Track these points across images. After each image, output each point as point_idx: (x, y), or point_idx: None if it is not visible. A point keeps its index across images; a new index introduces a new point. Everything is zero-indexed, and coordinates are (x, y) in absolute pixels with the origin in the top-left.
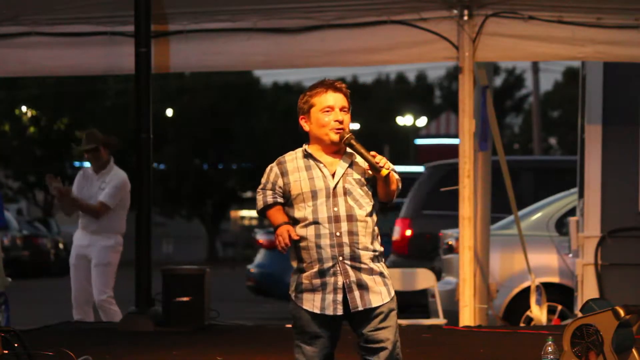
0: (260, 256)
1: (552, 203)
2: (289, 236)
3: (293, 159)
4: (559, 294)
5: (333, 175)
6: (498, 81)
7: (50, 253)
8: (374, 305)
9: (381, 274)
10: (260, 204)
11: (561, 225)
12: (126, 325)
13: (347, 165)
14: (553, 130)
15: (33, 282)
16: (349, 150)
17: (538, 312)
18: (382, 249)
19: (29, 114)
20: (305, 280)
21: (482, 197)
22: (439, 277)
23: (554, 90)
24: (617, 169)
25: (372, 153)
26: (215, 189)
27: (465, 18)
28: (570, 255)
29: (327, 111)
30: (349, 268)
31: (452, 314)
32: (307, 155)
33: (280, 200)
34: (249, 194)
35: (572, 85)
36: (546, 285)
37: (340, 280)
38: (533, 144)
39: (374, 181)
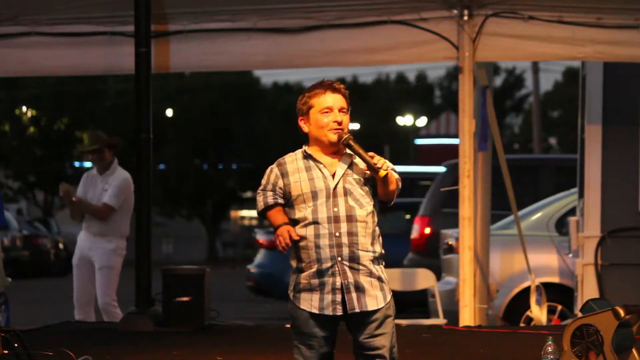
0: (260, 256)
1: (552, 203)
2: (290, 236)
3: (293, 160)
4: (559, 294)
5: (333, 175)
6: (498, 81)
7: (50, 253)
8: (370, 308)
9: (379, 278)
10: (260, 205)
11: (561, 225)
12: (126, 325)
13: (347, 165)
14: (553, 130)
15: (33, 282)
16: (348, 150)
17: (538, 312)
18: (382, 250)
19: (29, 114)
20: (304, 280)
21: (482, 197)
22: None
23: (554, 90)
24: (617, 169)
25: (371, 154)
26: (215, 189)
27: (465, 18)
28: (570, 255)
29: (326, 112)
30: (347, 269)
31: (452, 314)
32: (307, 156)
33: (280, 201)
34: (249, 194)
35: (572, 85)
36: (546, 285)
37: (338, 280)
38: (533, 144)
39: (373, 181)
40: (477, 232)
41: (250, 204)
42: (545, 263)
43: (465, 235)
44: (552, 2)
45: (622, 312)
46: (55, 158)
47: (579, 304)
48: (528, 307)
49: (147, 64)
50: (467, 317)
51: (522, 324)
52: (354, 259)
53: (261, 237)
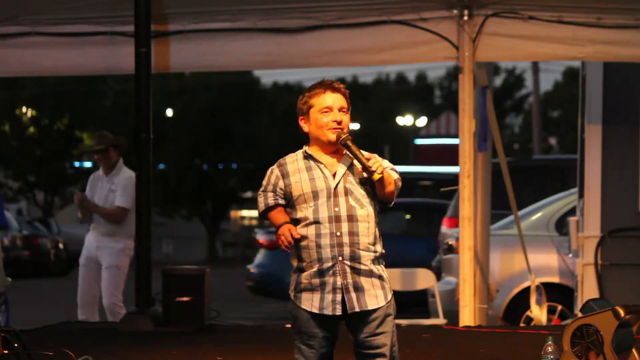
0: (260, 256)
1: (552, 203)
2: (291, 235)
3: (294, 160)
4: (559, 294)
5: (334, 175)
6: (498, 81)
7: (50, 253)
8: (370, 307)
9: (380, 277)
10: (261, 206)
11: (561, 225)
12: (126, 325)
13: (348, 165)
14: (553, 130)
15: (33, 282)
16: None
17: (538, 312)
18: (383, 250)
19: (29, 114)
20: (305, 279)
21: (482, 197)
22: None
23: (554, 90)
24: (617, 169)
25: (367, 156)
26: (215, 189)
27: (465, 18)
28: (570, 255)
29: (326, 112)
30: (348, 269)
31: (452, 314)
32: (308, 157)
33: (281, 201)
34: (249, 194)
35: (572, 85)
36: (546, 285)
37: (339, 280)
38: (533, 144)
39: (372, 181)
40: (477, 232)
41: (250, 204)
42: (545, 263)
43: (465, 235)
44: (552, 2)
45: (622, 312)
46: (55, 158)
47: (579, 304)
48: (528, 307)
49: (147, 64)
50: (467, 317)
51: (522, 324)
52: (355, 258)
53: (261, 237)
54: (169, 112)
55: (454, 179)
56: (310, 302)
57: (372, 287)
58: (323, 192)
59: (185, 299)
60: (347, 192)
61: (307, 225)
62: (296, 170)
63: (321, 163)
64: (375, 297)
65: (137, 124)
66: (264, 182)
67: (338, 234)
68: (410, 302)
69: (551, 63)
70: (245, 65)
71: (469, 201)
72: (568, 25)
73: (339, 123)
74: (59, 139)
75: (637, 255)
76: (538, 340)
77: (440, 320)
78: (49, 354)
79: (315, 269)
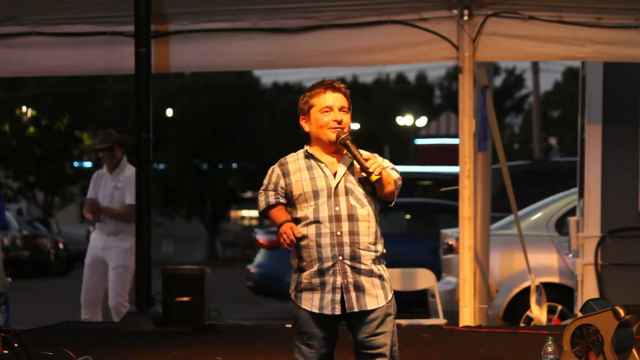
0: (260, 256)
1: (552, 203)
2: (293, 233)
3: (295, 160)
4: (559, 294)
5: (334, 175)
6: (498, 81)
7: (50, 253)
8: (369, 307)
9: (380, 277)
10: (262, 205)
11: (561, 225)
12: (126, 325)
13: (349, 164)
14: (553, 130)
15: (33, 282)
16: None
17: (538, 312)
18: (384, 250)
19: (29, 114)
20: (305, 279)
21: (482, 197)
22: None
23: (554, 90)
24: (617, 169)
25: (367, 156)
26: (215, 189)
27: (465, 18)
28: (570, 255)
29: (326, 111)
30: (348, 268)
31: (452, 314)
32: (309, 156)
33: (282, 200)
34: (249, 194)
35: (572, 85)
36: (546, 285)
37: (339, 280)
38: (533, 144)
39: (371, 181)
40: (477, 232)
41: (250, 204)
42: (545, 263)
43: (465, 235)
44: (552, 2)
45: (622, 312)
46: (55, 158)
47: (579, 304)
48: (528, 307)
49: (147, 64)
50: (467, 317)
51: (522, 324)
52: (355, 258)
53: (261, 237)
54: (169, 112)
55: (454, 179)
56: (310, 302)
57: (372, 287)
58: (324, 192)
59: (185, 299)
60: (347, 192)
61: (307, 224)
62: (297, 170)
63: (322, 162)
64: (376, 297)
65: (137, 124)
66: (265, 181)
67: (338, 233)
68: (410, 302)
69: (551, 63)
70: (245, 65)
71: (469, 201)
72: (568, 25)
73: (339, 122)
74: (59, 139)
75: (637, 255)
76: (538, 340)
77: (440, 320)
78: (49, 354)
79: (315, 268)
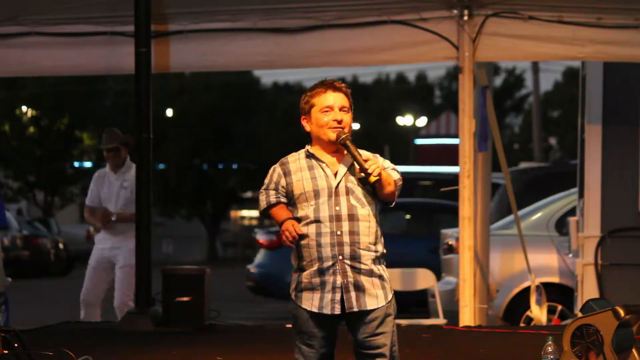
0: (260, 256)
1: (552, 203)
2: (295, 230)
3: (296, 159)
4: (559, 294)
5: (335, 174)
6: (498, 81)
7: (50, 253)
8: (369, 307)
9: (380, 277)
10: (263, 204)
11: (561, 225)
12: (126, 325)
13: (349, 164)
14: (553, 130)
15: (33, 282)
16: None
17: (538, 312)
18: (384, 250)
19: (29, 114)
20: (305, 279)
21: (482, 197)
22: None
23: (554, 90)
24: (617, 169)
25: (366, 157)
26: (215, 189)
27: (465, 18)
28: (570, 255)
29: (327, 111)
30: (348, 268)
31: (452, 314)
32: (310, 156)
33: (283, 199)
34: (249, 194)
35: (572, 85)
36: (546, 285)
37: (339, 279)
38: (533, 144)
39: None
40: (477, 232)
41: (250, 204)
42: (545, 263)
43: (465, 235)
44: (552, 2)
45: (622, 312)
46: (55, 158)
47: (579, 304)
48: (528, 307)
49: (147, 64)
50: (467, 317)
51: (522, 324)
52: (355, 257)
53: (261, 237)
54: (169, 112)
55: (454, 179)
56: (310, 302)
57: (372, 287)
58: (324, 191)
59: (185, 299)
60: (348, 192)
61: (307, 224)
62: (298, 169)
63: (323, 162)
64: (376, 297)
65: (137, 124)
66: (266, 181)
67: (338, 233)
68: (410, 302)
69: (551, 63)
70: (245, 65)
71: (469, 201)
72: (568, 25)
73: (340, 122)
74: (59, 139)
75: (637, 255)
76: (538, 340)
77: (440, 320)
78: (49, 354)
79: (315, 267)
